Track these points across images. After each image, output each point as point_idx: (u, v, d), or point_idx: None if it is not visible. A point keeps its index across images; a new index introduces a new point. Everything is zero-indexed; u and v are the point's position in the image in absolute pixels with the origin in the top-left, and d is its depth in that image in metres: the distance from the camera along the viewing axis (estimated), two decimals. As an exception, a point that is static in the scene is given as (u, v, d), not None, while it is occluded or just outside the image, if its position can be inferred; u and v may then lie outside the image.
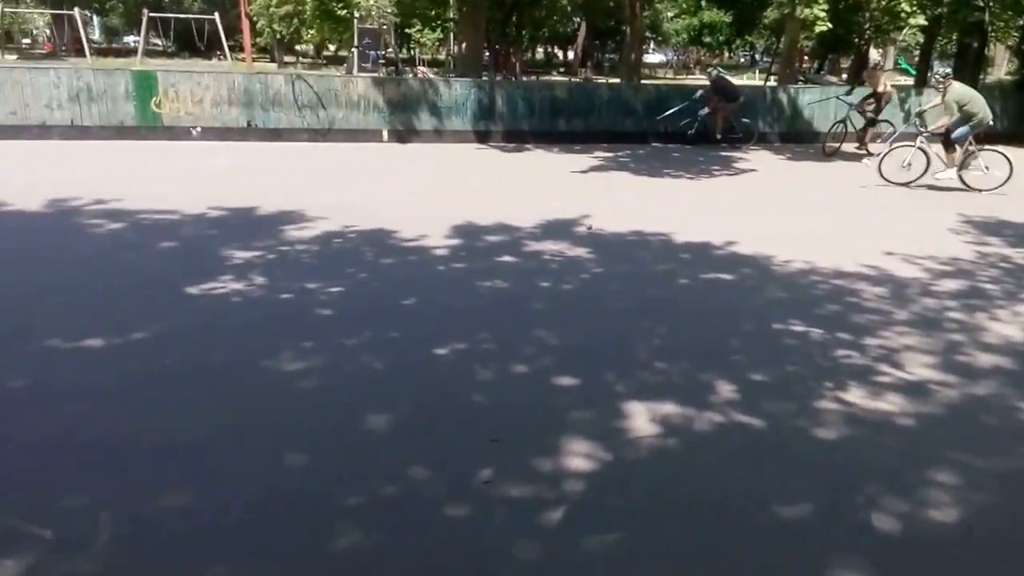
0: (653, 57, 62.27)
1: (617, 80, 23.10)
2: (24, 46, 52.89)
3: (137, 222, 7.78)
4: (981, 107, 10.99)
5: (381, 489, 3.19)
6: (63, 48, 47.54)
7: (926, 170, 11.25)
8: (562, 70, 53.05)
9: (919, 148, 11.30)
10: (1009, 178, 10.71)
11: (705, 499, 3.24)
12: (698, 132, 15.84)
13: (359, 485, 3.22)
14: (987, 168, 10.74)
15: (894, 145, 11.78)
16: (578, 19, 48.42)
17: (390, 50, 31.24)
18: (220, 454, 3.47)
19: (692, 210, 9.52)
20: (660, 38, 57.88)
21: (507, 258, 6.96)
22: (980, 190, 10.73)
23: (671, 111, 15.76)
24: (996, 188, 10.67)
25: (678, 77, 50.85)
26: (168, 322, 5.08)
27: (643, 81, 22.21)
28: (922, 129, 11.55)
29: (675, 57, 65.32)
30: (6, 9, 36.61)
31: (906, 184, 11.15)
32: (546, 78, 38.09)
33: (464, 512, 3.06)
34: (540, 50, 63.07)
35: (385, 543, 2.87)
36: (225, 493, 3.16)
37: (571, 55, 56.67)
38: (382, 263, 6.70)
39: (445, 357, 4.64)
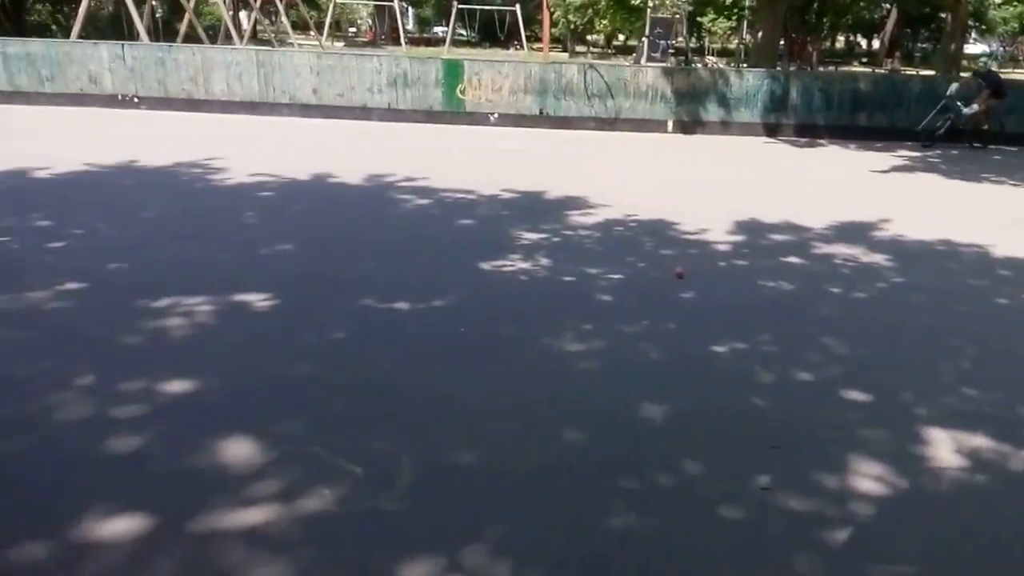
0: (974, 47, 55.31)
1: (931, 72, 20.86)
2: (350, 34, 59.50)
3: (440, 199, 8.48)
4: None
5: (656, 478, 3.21)
6: (382, 37, 52.87)
7: None
8: (864, 60, 48.99)
9: None
10: None
11: (1020, 548, 2.86)
12: (947, 132, 13.81)
13: (635, 470, 3.26)
14: None
15: None
16: (888, 5, 44.31)
17: (680, 39, 30.87)
18: (505, 421, 3.70)
19: (1016, 222, 8.37)
20: (984, 27, 51.25)
21: (793, 259, 6.62)
22: None
23: (933, 112, 13.91)
24: None
25: (1003, 70, 44.74)
26: (463, 293, 5.50)
27: (962, 74, 19.83)
28: None
29: (1000, 48, 57.50)
30: (339, 0, 41.50)
31: None
32: (846, 68, 35.43)
33: (739, 515, 2.99)
34: (840, 38, 58.73)
35: (658, 530, 2.88)
36: (508, 458, 3.36)
37: (876, 44, 52.10)
38: (662, 254, 6.69)
39: (723, 355, 4.54)
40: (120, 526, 2.77)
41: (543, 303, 5.39)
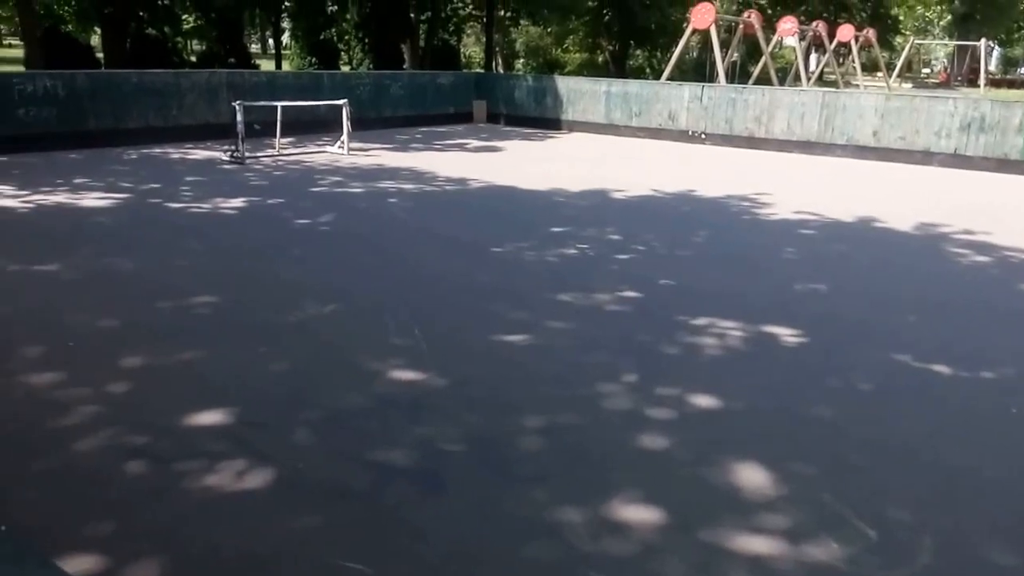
0: None
1: None
2: (921, 76, 54.35)
3: (1004, 258, 7.24)
4: None
5: None
6: (957, 78, 47.22)
7: None
8: None
9: None
10: None
11: None
12: None
13: None
14: None
15: None
16: None
17: None
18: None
19: None
20: None
21: None
22: None
23: None
24: None
25: None
26: (1016, 367, 4.61)
27: None
28: None
29: None
30: (917, 41, 38.31)
31: None
32: None
33: None
34: None
35: None
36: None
37: None
38: None
39: None
40: (641, 513, 3.00)
41: None
